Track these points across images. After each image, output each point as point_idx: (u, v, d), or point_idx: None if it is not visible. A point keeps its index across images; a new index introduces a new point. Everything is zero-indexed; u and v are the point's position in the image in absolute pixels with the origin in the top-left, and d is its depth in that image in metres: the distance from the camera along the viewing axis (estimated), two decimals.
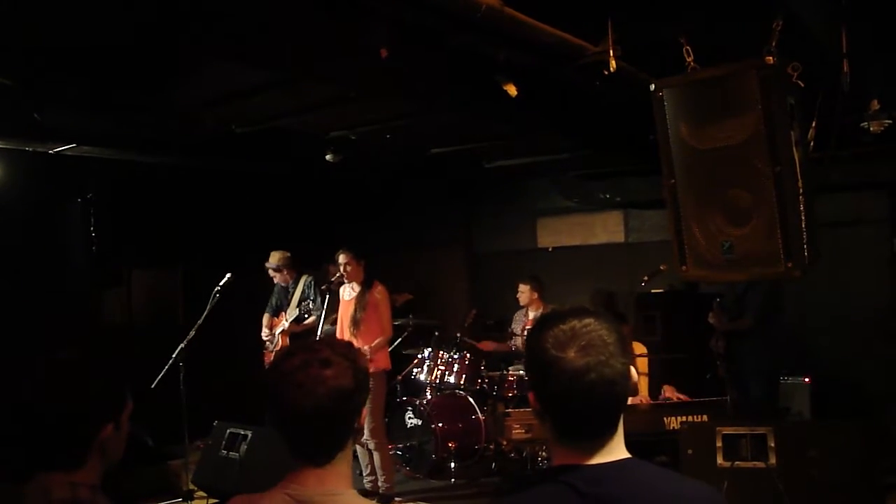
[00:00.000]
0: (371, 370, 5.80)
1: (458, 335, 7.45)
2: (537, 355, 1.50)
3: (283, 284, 7.32)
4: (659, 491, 1.48)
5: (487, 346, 7.50)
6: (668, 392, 5.97)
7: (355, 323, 6.00)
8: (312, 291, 7.05)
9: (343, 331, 6.11)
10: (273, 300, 7.39)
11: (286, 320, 7.12)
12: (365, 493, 5.31)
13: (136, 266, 8.02)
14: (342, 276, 6.16)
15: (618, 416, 1.52)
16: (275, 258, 7.25)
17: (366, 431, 5.85)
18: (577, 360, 1.44)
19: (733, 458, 4.43)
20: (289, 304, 7.21)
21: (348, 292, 6.23)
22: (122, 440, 1.76)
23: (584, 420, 1.49)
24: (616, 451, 1.51)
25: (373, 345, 5.92)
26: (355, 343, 5.76)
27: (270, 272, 7.30)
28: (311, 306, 6.93)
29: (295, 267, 7.33)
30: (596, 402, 1.46)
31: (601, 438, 1.50)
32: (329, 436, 1.70)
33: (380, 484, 5.98)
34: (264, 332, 7.27)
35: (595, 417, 1.49)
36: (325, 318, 6.41)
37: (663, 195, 3.54)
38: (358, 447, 5.98)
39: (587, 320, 1.50)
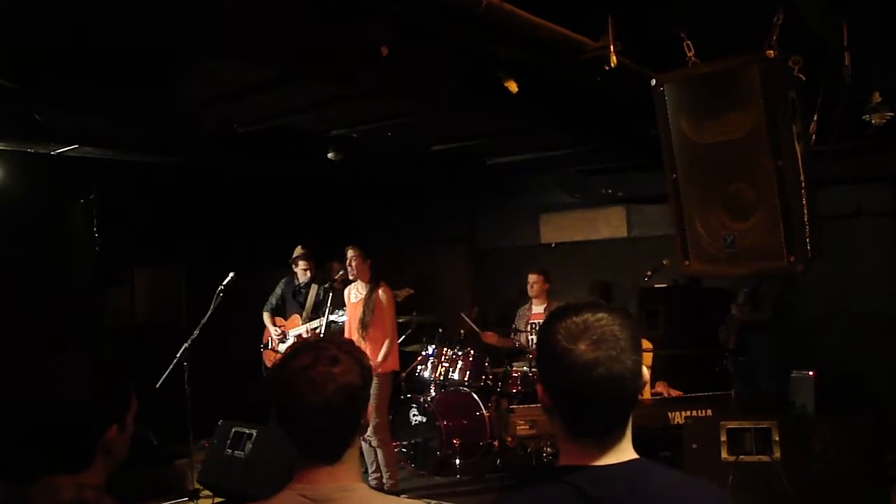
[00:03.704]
0: (380, 370, 5.88)
1: (462, 331, 7.45)
2: (548, 346, 1.47)
3: (301, 281, 7.16)
4: (668, 494, 1.46)
5: (490, 337, 7.48)
6: (660, 388, 5.98)
7: (363, 325, 6.04)
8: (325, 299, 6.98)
9: (351, 332, 6.16)
10: (273, 299, 7.26)
11: (306, 325, 6.96)
12: None
13: (138, 266, 8.03)
14: (346, 271, 6.18)
15: (626, 416, 1.49)
16: (301, 248, 7.18)
17: (370, 429, 5.88)
18: (586, 354, 1.42)
19: (738, 452, 4.43)
20: (301, 306, 7.12)
21: (354, 294, 6.25)
22: (126, 441, 1.75)
23: (592, 416, 1.46)
24: (624, 451, 1.48)
25: (379, 358, 5.97)
26: (362, 345, 5.81)
27: (302, 263, 7.12)
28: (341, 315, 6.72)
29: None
30: (603, 397, 1.43)
31: (608, 437, 1.47)
32: (339, 432, 1.71)
33: (384, 481, 6.00)
34: (275, 331, 7.09)
35: (602, 414, 1.46)
36: (328, 317, 6.40)
37: (666, 190, 3.54)
38: (364, 444, 6.00)
39: (601, 314, 1.47)
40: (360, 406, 1.73)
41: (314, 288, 7.14)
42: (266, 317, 7.22)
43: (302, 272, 7.18)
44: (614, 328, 1.46)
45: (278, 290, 7.30)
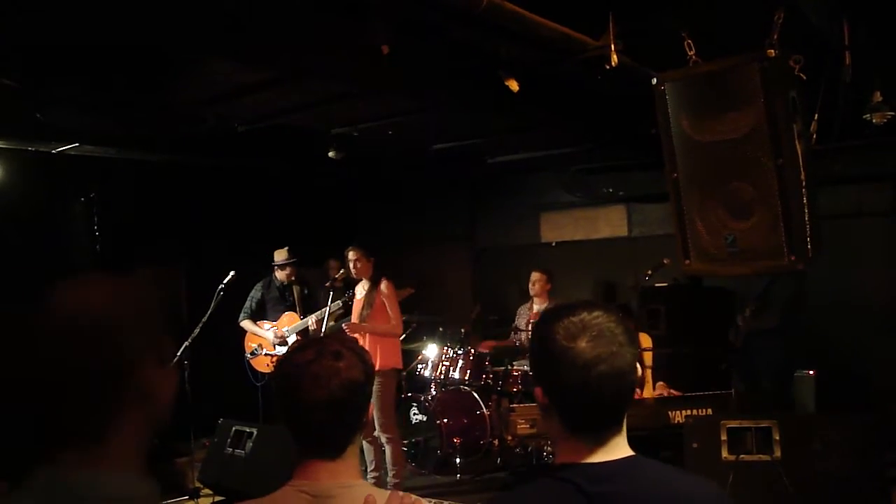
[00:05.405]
0: (383, 368, 5.87)
1: (463, 331, 7.46)
2: (546, 346, 1.48)
3: (282, 281, 7.01)
4: (665, 489, 1.47)
5: (487, 346, 7.47)
6: (661, 389, 5.97)
7: (362, 320, 6.05)
8: (317, 293, 6.85)
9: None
10: (253, 304, 6.94)
11: (311, 316, 6.66)
12: None
13: (139, 265, 8.02)
14: (347, 273, 6.18)
15: (624, 410, 1.51)
16: (283, 253, 7.00)
17: (377, 427, 5.91)
18: (587, 351, 1.43)
19: (738, 452, 4.42)
20: (291, 305, 6.98)
21: (360, 291, 6.26)
22: (172, 380, 1.26)
23: (593, 412, 1.47)
24: (620, 448, 1.50)
25: (378, 329, 6.00)
26: (361, 340, 5.81)
27: (288, 267, 6.94)
28: (341, 307, 6.58)
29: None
30: (605, 393, 1.45)
31: (606, 434, 1.49)
32: (341, 427, 1.72)
33: (389, 478, 6.02)
34: (268, 334, 6.82)
35: (603, 410, 1.48)
36: (327, 316, 6.38)
37: (666, 189, 3.54)
38: (365, 443, 6.00)
39: (596, 312, 1.49)
40: (362, 402, 1.74)
41: (296, 288, 7.03)
42: (249, 323, 6.91)
43: (289, 273, 7.00)
44: (611, 324, 1.47)
45: (257, 295, 6.99)
